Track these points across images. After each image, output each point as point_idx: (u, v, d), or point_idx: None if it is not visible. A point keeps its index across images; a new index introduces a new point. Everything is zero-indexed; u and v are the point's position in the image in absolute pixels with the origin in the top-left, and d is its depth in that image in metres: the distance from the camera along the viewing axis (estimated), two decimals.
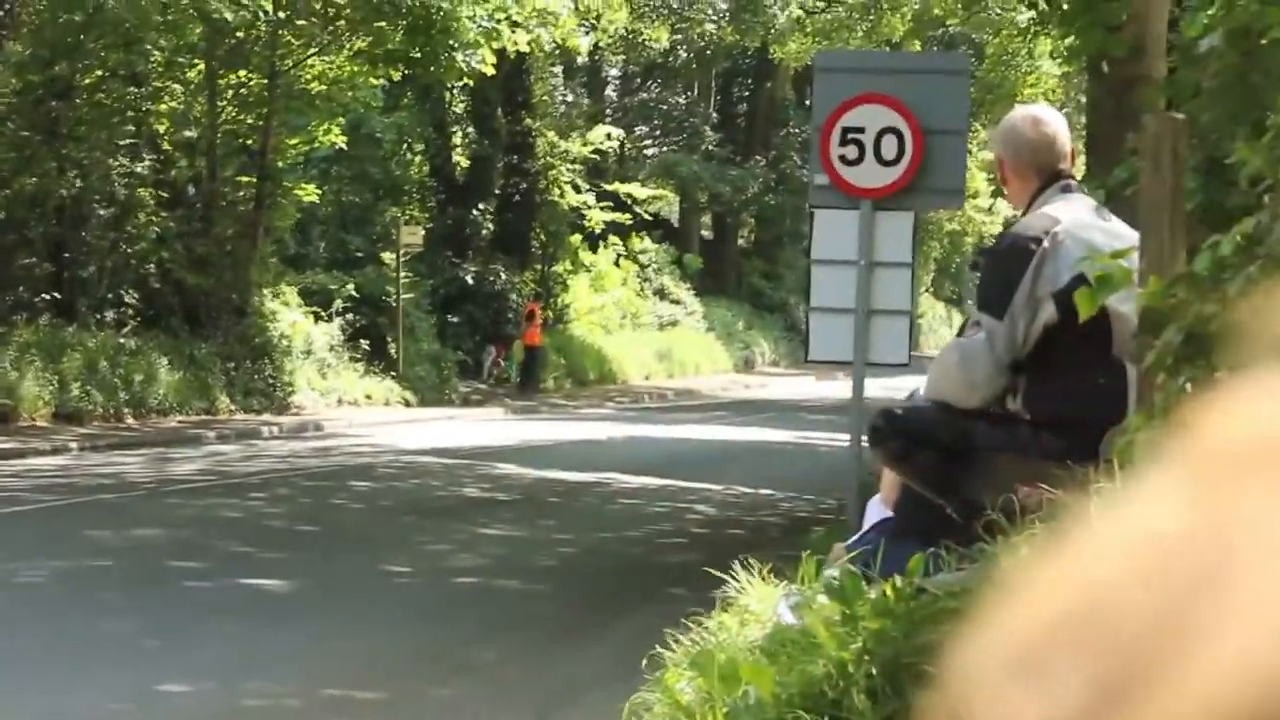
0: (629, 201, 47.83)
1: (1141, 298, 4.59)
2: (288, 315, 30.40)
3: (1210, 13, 4.72)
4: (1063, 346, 5.54)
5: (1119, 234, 5.53)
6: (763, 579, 7.17)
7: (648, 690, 6.18)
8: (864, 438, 10.10)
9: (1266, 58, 8.07)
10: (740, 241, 59.53)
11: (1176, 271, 4.75)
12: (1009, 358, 5.58)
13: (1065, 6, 14.76)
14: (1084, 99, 25.36)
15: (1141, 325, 4.60)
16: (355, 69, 30.42)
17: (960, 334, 6.05)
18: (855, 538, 7.14)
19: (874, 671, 4.95)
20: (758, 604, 6.79)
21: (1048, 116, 5.88)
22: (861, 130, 14.00)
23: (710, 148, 55.30)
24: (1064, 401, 5.56)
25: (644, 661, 6.72)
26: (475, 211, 39.55)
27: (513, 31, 30.21)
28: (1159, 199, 4.99)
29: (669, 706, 5.98)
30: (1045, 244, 5.52)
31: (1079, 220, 5.63)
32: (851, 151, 14.03)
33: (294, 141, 31.01)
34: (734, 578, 7.23)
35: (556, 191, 42.26)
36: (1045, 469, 5.27)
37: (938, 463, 5.69)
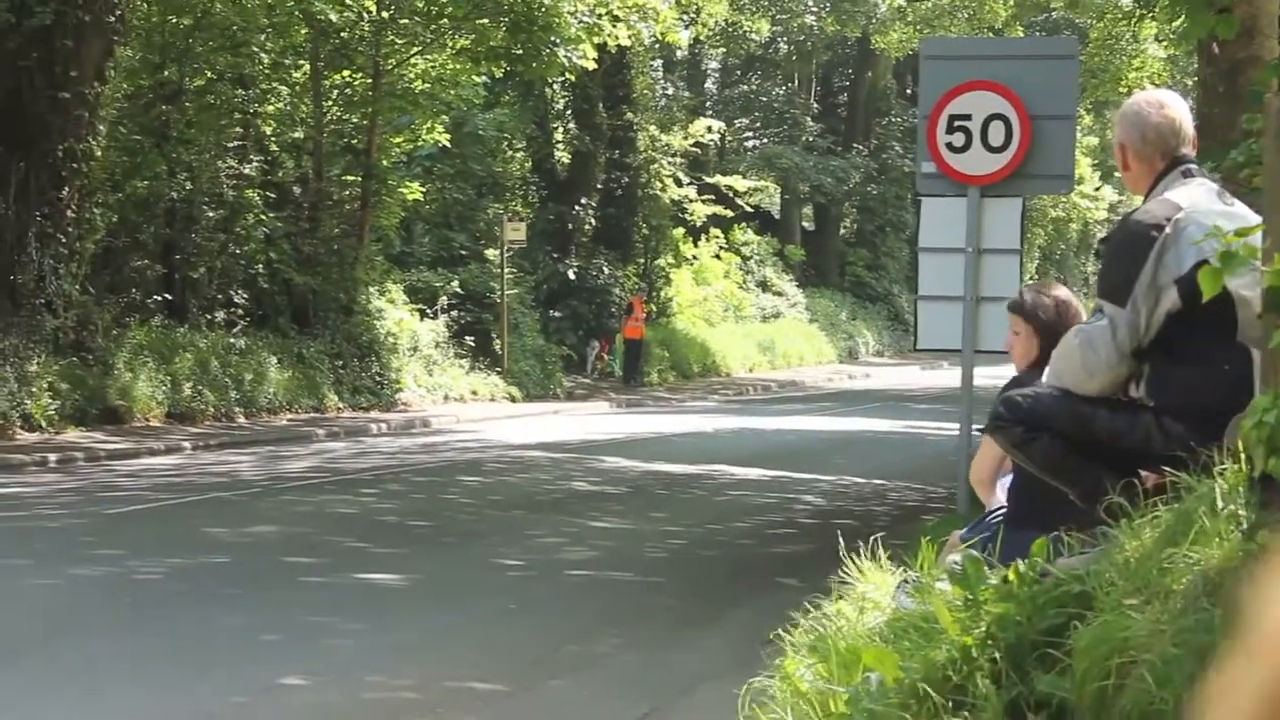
0: (730, 194, 47.83)
1: (1267, 277, 4.54)
2: (394, 313, 30.65)
3: None
4: (1186, 333, 5.48)
5: (1242, 218, 5.46)
6: (879, 566, 7.16)
7: (766, 678, 6.18)
8: (976, 426, 10.04)
9: None
10: (842, 232, 59.33)
11: None
12: (1131, 345, 5.53)
13: None
14: (1191, 82, 25.03)
15: (1266, 304, 4.54)
16: (458, 67, 30.61)
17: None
18: (971, 524, 7.12)
19: (997, 656, 4.93)
20: (875, 591, 6.79)
21: (1171, 101, 5.84)
22: (968, 117, 13.93)
23: (811, 138, 55.16)
24: (1187, 388, 5.50)
25: (763, 649, 6.73)
26: (577, 206, 39.68)
27: (613, 26, 30.27)
28: None
29: (789, 694, 5.98)
30: (1168, 230, 5.46)
31: (1201, 205, 5.57)
32: (959, 139, 13.96)
33: (398, 140, 31.25)
34: (851, 565, 7.23)
35: (658, 185, 42.32)
36: (1167, 455, 5.23)
37: (1058, 449, 5.66)
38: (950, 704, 4.90)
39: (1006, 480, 6.68)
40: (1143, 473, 5.56)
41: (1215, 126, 14.46)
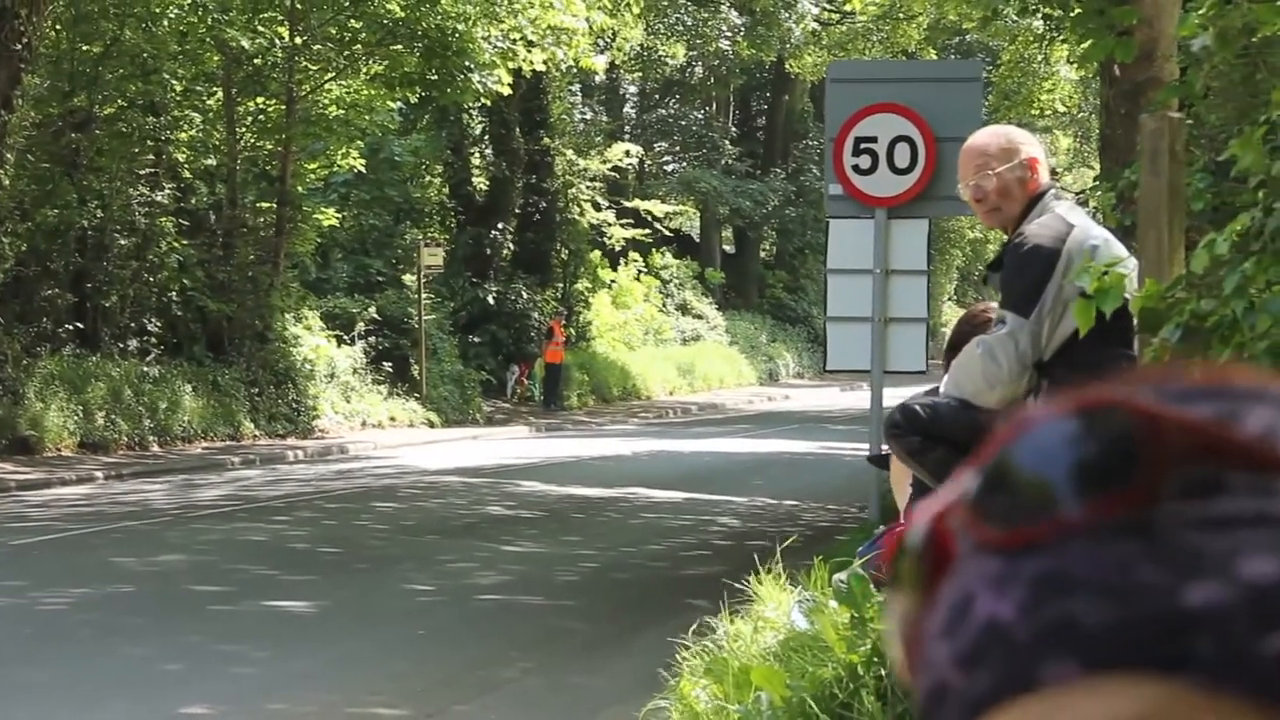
0: (649, 218, 47.93)
1: (1137, 299, 4.61)
2: (310, 339, 30.49)
3: (1201, 13, 4.73)
4: (1088, 348, 5.55)
5: (1114, 242, 5.59)
6: (777, 586, 7.20)
7: (662, 699, 6.21)
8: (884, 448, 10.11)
9: (1271, 56, 8.06)
10: (762, 255, 59.56)
11: (1176, 273, 4.77)
12: (1034, 356, 5.59)
13: (1076, 11, 14.74)
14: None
15: (1140, 324, 4.61)
16: (372, 92, 30.54)
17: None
18: (868, 543, 7.17)
19: (883, 673, 4.98)
20: (772, 611, 6.82)
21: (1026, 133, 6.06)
22: (874, 139, 14.05)
23: (730, 162, 55.35)
24: None
25: (666, 672, 6.75)
26: (495, 231, 39.64)
27: (528, 51, 30.30)
28: (1157, 197, 5.02)
29: (684, 715, 6.01)
30: (1069, 245, 5.54)
31: (1088, 224, 5.69)
32: (865, 161, 14.08)
33: (313, 166, 31.13)
34: (752, 586, 7.26)
35: (576, 210, 42.35)
36: None
37: (953, 460, 5.70)
38: None
39: None
40: None
41: (1117, 149, 14.64)
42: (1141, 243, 4.92)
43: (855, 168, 14.04)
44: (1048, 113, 39.25)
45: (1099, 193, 13.07)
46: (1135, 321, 5.39)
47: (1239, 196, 8.91)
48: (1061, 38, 27.45)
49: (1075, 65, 31.87)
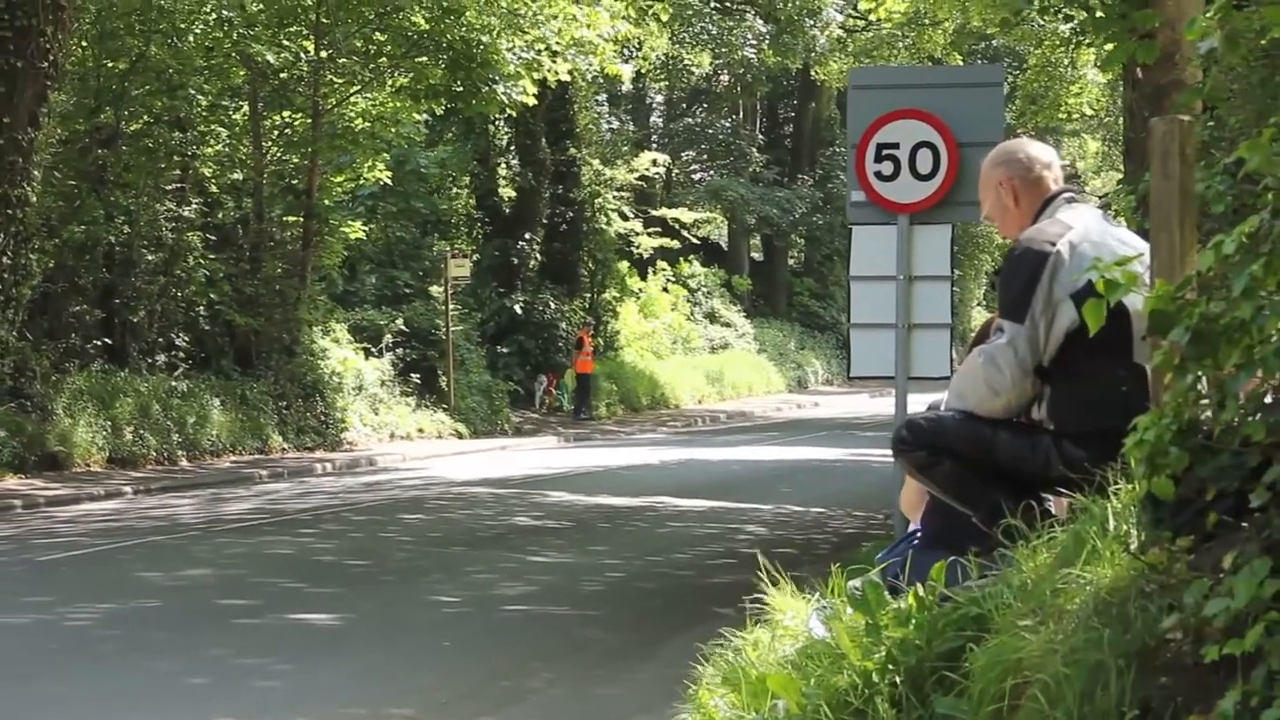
0: (677, 226, 47.94)
1: (1150, 300, 4.58)
2: (338, 352, 30.56)
3: (1209, 15, 4.71)
4: (1085, 352, 5.53)
5: (1129, 241, 5.57)
6: (797, 593, 7.17)
7: (683, 708, 6.20)
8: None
9: None
10: (790, 262, 59.52)
11: (1186, 274, 4.74)
12: (1033, 361, 5.59)
13: (1100, 15, 14.72)
14: None
15: (1150, 326, 4.59)
16: (398, 105, 30.62)
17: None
18: (887, 549, 7.15)
19: (898, 680, 4.96)
20: (791, 619, 6.80)
21: (1039, 144, 6.07)
22: (896, 146, 14.00)
23: (757, 169, 55.34)
24: (1087, 410, 5.54)
25: (689, 681, 6.74)
26: (522, 242, 39.70)
27: (553, 61, 30.32)
28: (1167, 200, 4.99)
29: None
30: (1059, 247, 5.56)
31: (1091, 226, 5.67)
32: (887, 167, 14.03)
33: (339, 179, 31.20)
34: (769, 594, 7.24)
35: (603, 219, 42.37)
36: (1066, 477, 5.28)
37: (960, 472, 5.70)
38: None
39: None
40: (1050, 499, 5.62)
41: (1141, 152, 14.60)
42: (1153, 246, 4.89)
43: (877, 174, 13.99)
44: (1075, 116, 39.13)
45: (1120, 197, 13.05)
46: (1136, 327, 5.37)
47: (1259, 199, 8.88)
48: (1087, 41, 27.40)
49: (1101, 68, 31.79)
